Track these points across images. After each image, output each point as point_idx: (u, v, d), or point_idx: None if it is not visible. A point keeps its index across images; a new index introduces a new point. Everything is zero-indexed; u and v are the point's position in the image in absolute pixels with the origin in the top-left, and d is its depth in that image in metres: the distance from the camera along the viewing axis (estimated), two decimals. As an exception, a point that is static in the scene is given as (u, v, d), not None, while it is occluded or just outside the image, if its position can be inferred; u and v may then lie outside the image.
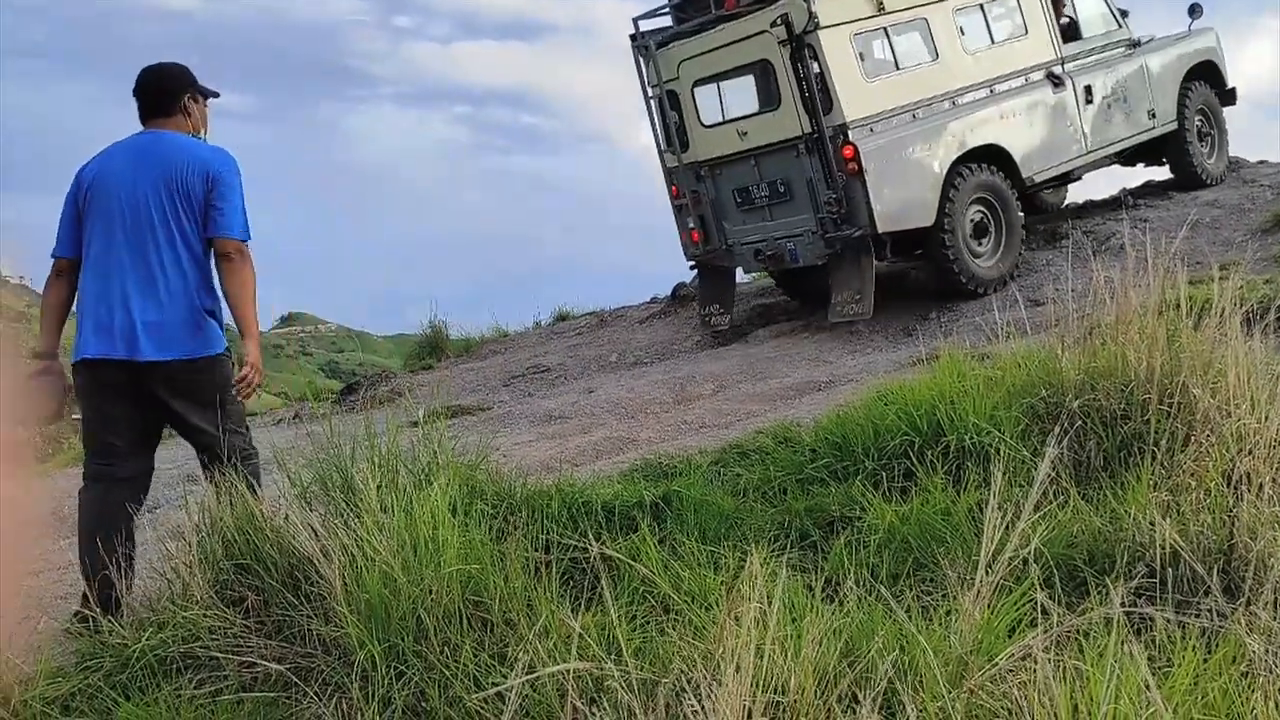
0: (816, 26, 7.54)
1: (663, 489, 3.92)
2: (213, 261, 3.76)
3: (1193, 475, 3.12)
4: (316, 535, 3.07)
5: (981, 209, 8.18)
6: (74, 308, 3.78)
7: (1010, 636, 2.29)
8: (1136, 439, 3.41)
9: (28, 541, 3.21)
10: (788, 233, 8.19)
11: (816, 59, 7.61)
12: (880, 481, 3.69)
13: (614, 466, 4.93)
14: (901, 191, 7.76)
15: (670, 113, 8.60)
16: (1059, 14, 9.06)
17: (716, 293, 9.04)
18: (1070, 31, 9.13)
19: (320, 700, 2.76)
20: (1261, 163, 10.56)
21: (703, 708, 2.05)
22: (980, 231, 8.17)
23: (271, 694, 2.84)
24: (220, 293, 3.77)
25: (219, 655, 2.95)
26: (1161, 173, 10.17)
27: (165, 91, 3.88)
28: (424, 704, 2.65)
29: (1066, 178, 9.27)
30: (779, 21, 7.61)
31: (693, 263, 8.98)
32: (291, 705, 2.81)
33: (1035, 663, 2.01)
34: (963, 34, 8.37)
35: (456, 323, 11.40)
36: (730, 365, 7.80)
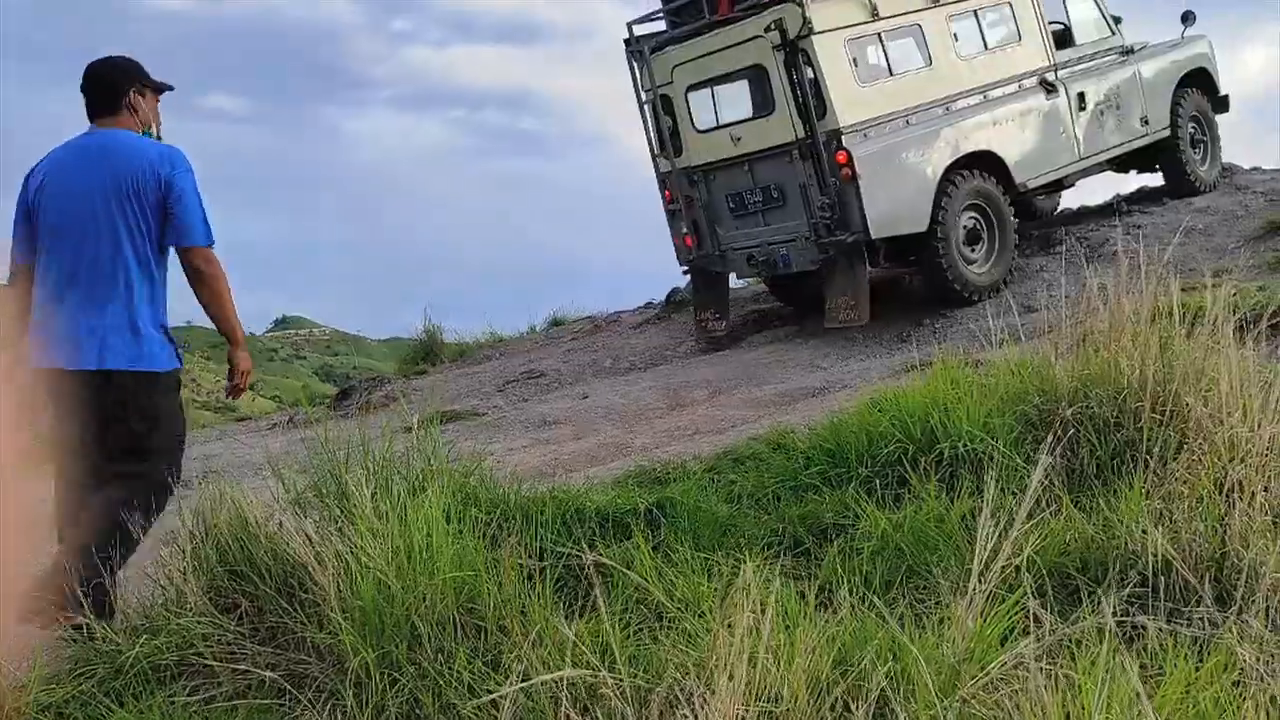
0: (810, 32, 7.55)
1: (657, 496, 3.92)
2: (179, 269, 3.64)
3: (1185, 483, 3.12)
4: (310, 542, 3.07)
5: (975, 215, 8.19)
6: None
7: (1003, 645, 2.30)
8: (1129, 447, 3.41)
9: (21, 548, 3.21)
10: (781, 238, 8.20)
11: (810, 64, 7.63)
12: (874, 489, 3.69)
13: (608, 473, 4.93)
14: (895, 197, 7.77)
15: (664, 117, 8.61)
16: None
17: (711, 298, 9.03)
18: (1064, 38, 9.15)
19: (314, 707, 2.76)
20: (1255, 169, 10.61)
21: (695, 717, 2.05)
22: (973, 238, 8.19)
23: (265, 701, 2.83)
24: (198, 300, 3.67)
25: (213, 662, 2.95)
26: (1156, 179, 10.22)
27: (109, 86, 3.71)
28: (418, 711, 2.65)
29: (1060, 184, 9.30)
30: (773, 27, 7.63)
31: (686, 268, 9.00)
32: (285, 712, 2.80)
33: (1027, 671, 2.02)
34: (956, 40, 8.39)
35: (451, 327, 11.43)
36: (725, 371, 7.81)
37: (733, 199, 8.46)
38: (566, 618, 2.68)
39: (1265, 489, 2.98)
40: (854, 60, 7.81)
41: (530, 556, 3.27)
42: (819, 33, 7.60)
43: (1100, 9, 9.52)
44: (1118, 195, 10.45)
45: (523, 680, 2.33)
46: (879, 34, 8.02)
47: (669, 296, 10.58)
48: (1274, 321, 3.76)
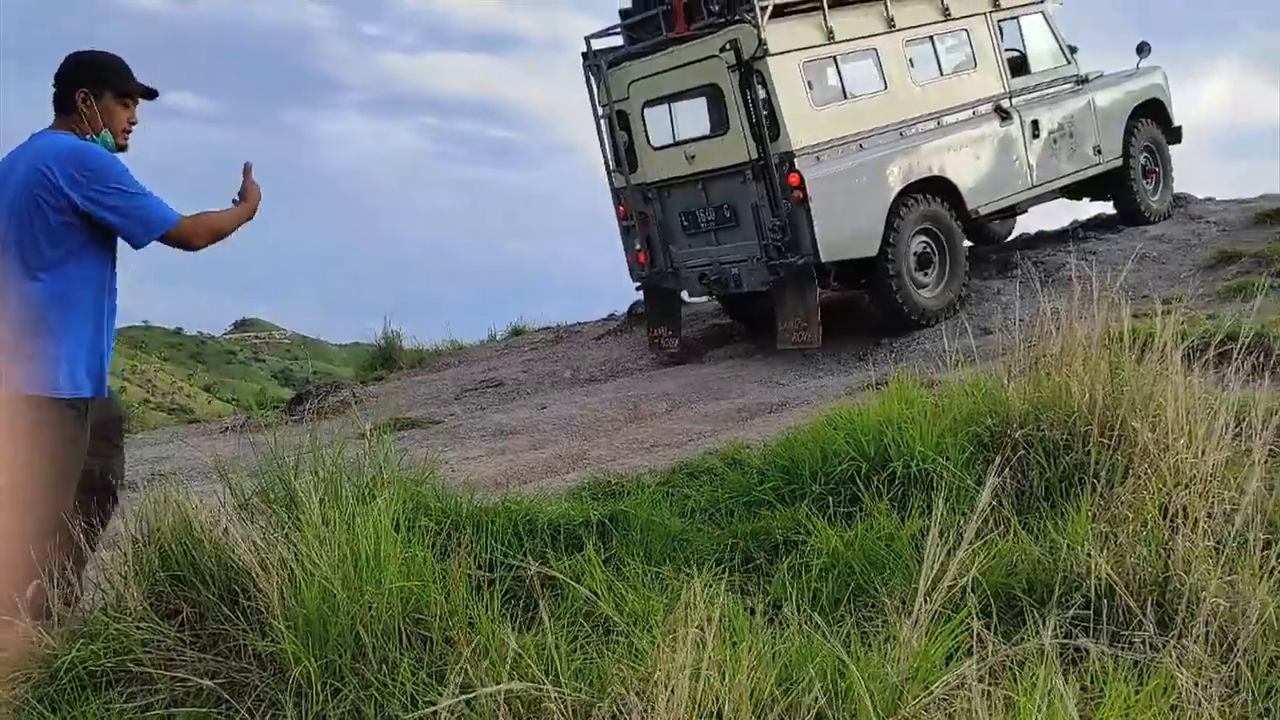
0: (766, 53, 7.56)
1: (610, 508, 3.90)
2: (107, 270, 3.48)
3: (1130, 508, 3.16)
4: (256, 548, 3.02)
5: (926, 240, 8.23)
6: None
7: (947, 665, 2.31)
8: (1078, 470, 3.45)
9: None
10: (733, 258, 8.20)
11: (765, 85, 7.63)
12: (827, 506, 3.70)
13: (563, 484, 4.91)
14: (846, 221, 7.78)
15: (620, 133, 8.59)
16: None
17: (664, 315, 9.01)
18: (1019, 66, 9.26)
19: (254, 717, 2.71)
20: (1208, 199, 10.81)
21: (638, 731, 2.04)
22: (924, 262, 8.22)
23: (204, 709, 2.78)
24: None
25: (151, 669, 2.89)
26: (1110, 206, 10.38)
27: (60, 85, 3.54)
28: (359, 722, 2.61)
29: (1012, 210, 9.39)
30: (728, 47, 7.63)
31: (639, 284, 8.99)
32: (223, 721, 2.75)
33: (969, 692, 2.03)
34: (912, 65, 8.45)
35: (411, 333, 11.36)
36: (684, 385, 7.81)
37: (686, 217, 8.45)
38: (515, 630, 2.65)
39: (1208, 515, 3.02)
40: (809, 83, 7.83)
41: (480, 567, 3.24)
42: (774, 54, 7.61)
43: (1056, 38, 9.65)
44: (1075, 221, 10.61)
45: (466, 692, 2.30)
46: (834, 57, 8.04)
47: (630, 309, 10.58)
48: (1221, 349, 3.81)
